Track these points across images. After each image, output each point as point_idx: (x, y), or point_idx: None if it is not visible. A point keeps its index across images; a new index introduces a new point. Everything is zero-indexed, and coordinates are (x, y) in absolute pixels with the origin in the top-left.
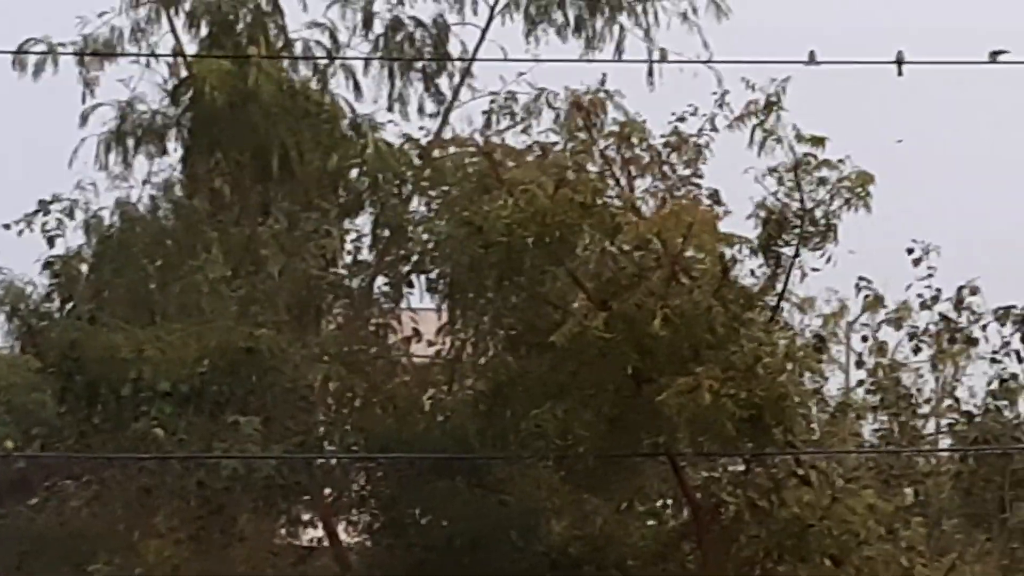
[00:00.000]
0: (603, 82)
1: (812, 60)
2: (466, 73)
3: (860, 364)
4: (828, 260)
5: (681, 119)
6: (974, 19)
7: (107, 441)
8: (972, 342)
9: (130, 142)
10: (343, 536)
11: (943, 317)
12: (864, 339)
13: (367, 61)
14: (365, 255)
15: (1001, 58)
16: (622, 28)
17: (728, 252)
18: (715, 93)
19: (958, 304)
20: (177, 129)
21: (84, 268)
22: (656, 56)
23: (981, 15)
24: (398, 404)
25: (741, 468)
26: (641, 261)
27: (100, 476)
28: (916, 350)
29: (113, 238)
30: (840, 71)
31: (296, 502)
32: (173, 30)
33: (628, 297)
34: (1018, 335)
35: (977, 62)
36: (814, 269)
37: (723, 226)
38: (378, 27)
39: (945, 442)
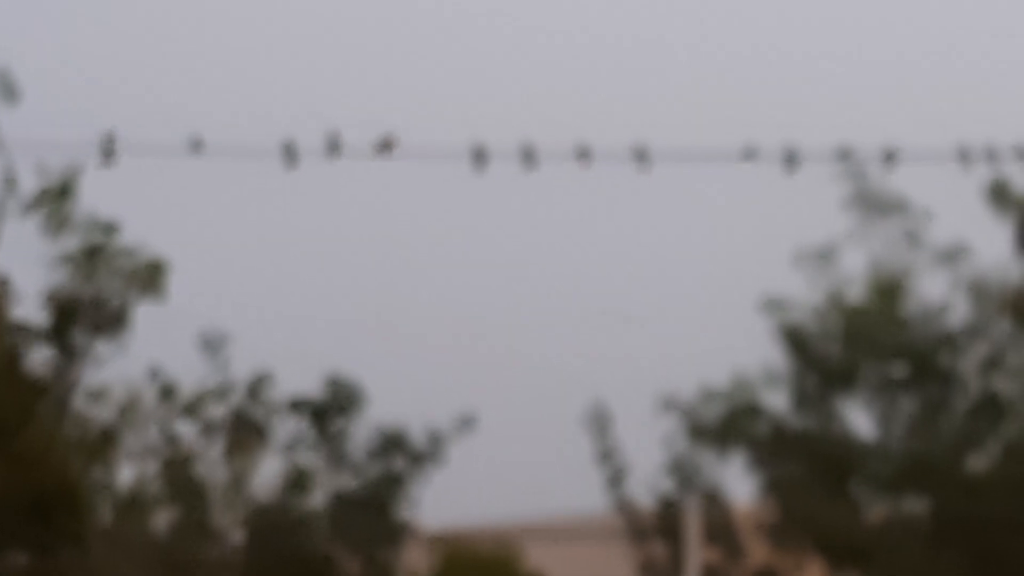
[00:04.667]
0: None
1: (109, 147)
2: None
3: (152, 455)
4: (122, 349)
5: None
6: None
7: None
8: (265, 433)
9: None
10: None
11: (236, 409)
12: (157, 430)
13: None
14: None
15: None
16: None
17: (17, 340)
18: (5, 177)
19: (252, 394)
20: None
21: None
22: None
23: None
24: None
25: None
26: None
27: None
28: (210, 442)
29: None
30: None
31: None
32: None
33: None
34: (311, 426)
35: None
36: (107, 358)
37: (13, 313)
38: None
39: (237, 535)
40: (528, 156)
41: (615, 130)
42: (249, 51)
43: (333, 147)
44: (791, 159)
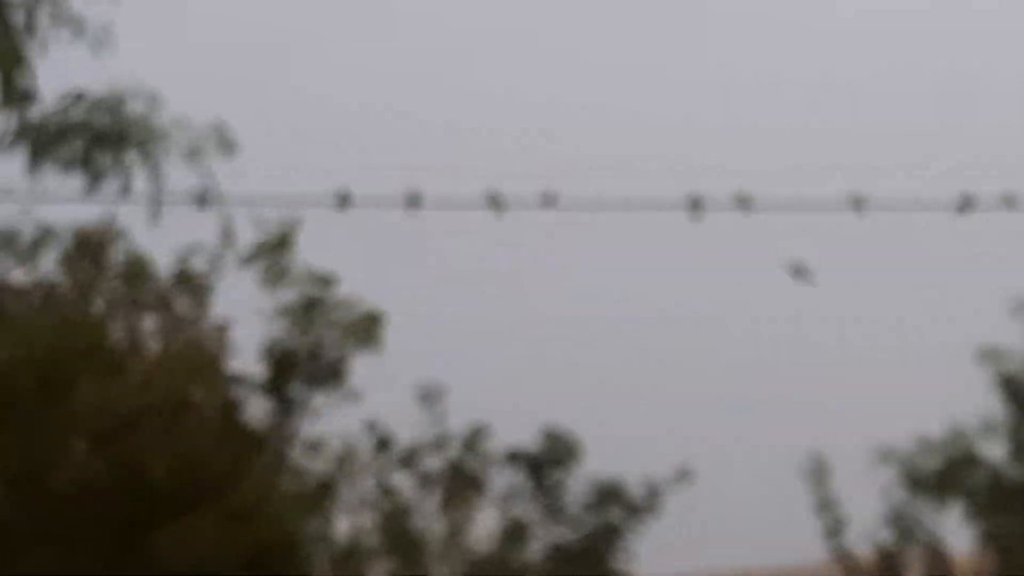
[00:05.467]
0: (110, 219)
1: (343, 199)
2: None
3: (369, 507)
4: (339, 401)
5: (186, 257)
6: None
7: None
8: (481, 486)
9: None
10: None
11: (452, 461)
12: (374, 481)
13: None
14: None
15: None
16: (129, 164)
17: (235, 393)
18: (222, 230)
19: (468, 446)
20: None
21: None
22: (164, 191)
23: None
24: None
25: None
26: (144, 402)
27: None
28: (426, 493)
29: None
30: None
31: None
32: None
33: (130, 440)
34: (528, 478)
35: None
36: (324, 410)
37: (231, 367)
38: None
39: None
40: (744, 202)
41: (830, 175)
42: (461, 104)
43: (549, 198)
44: (1009, 205)
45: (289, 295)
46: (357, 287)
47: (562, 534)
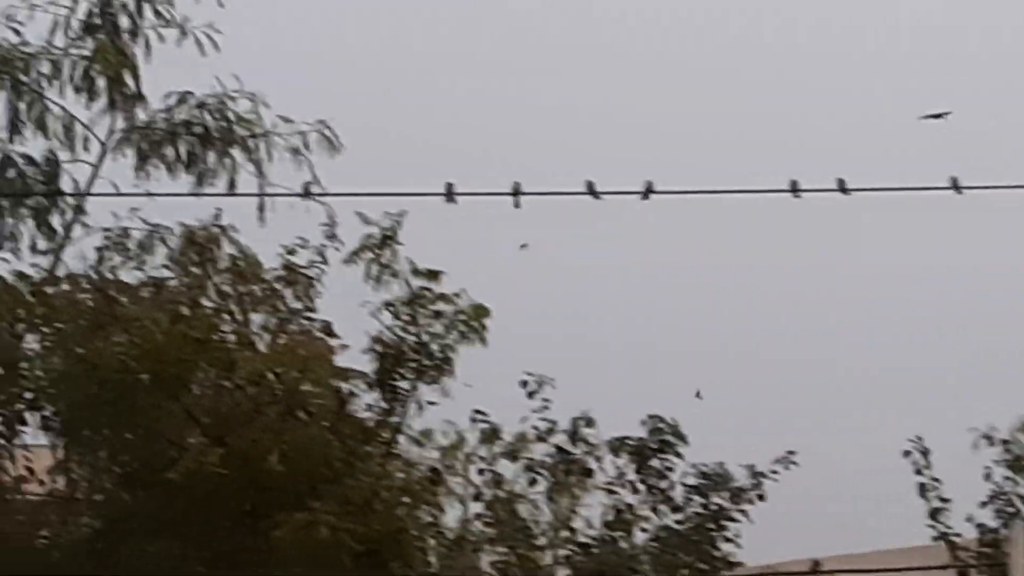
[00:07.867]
0: (217, 217)
1: (449, 192)
2: (78, 209)
3: (478, 496)
4: (445, 393)
5: (292, 252)
6: None
7: None
8: (587, 473)
9: None
10: None
11: (559, 449)
12: (481, 472)
13: None
14: None
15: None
16: (234, 162)
17: (344, 386)
18: (326, 226)
19: (573, 436)
20: None
21: None
22: (268, 189)
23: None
24: (11, 544)
25: None
26: (257, 396)
27: None
28: (532, 482)
29: None
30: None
31: None
32: None
33: (244, 433)
34: (633, 466)
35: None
36: (431, 402)
37: (339, 360)
38: None
39: (562, 574)
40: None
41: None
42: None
43: (647, 188)
44: None
45: (394, 289)
46: (462, 280)
47: (668, 520)
